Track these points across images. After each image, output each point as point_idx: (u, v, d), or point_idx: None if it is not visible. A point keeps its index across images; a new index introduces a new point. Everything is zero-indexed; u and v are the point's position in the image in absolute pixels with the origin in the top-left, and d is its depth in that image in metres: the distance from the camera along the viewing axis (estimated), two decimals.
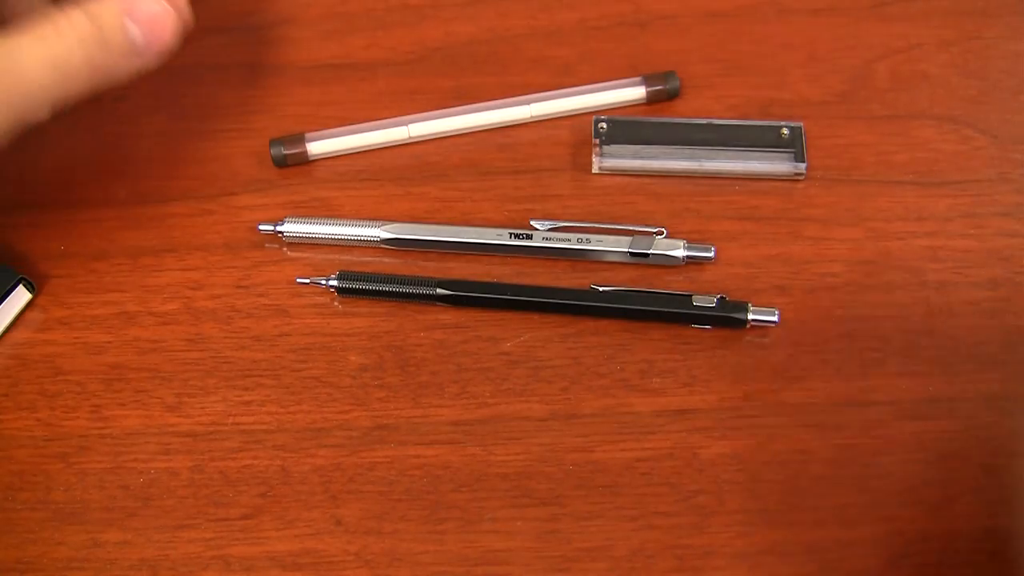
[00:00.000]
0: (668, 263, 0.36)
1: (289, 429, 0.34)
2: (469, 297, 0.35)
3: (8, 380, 0.35)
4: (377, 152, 0.40)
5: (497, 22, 0.43)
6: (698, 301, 0.34)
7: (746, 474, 0.32)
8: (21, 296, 0.36)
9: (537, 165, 0.39)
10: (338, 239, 0.37)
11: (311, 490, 0.32)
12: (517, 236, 0.36)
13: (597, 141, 0.38)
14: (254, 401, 0.34)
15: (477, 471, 0.33)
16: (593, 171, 0.38)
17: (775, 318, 0.34)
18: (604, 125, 0.39)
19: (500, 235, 0.36)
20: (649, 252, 0.36)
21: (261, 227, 0.37)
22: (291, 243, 0.37)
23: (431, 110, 0.40)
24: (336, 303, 0.36)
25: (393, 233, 0.37)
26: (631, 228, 0.36)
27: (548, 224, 0.36)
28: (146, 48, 0.34)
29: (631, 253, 0.36)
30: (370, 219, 0.37)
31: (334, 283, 0.36)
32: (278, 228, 0.37)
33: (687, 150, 0.38)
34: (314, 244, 0.37)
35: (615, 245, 0.36)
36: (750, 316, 0.34)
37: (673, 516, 0.31)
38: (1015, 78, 0.40)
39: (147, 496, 0.33)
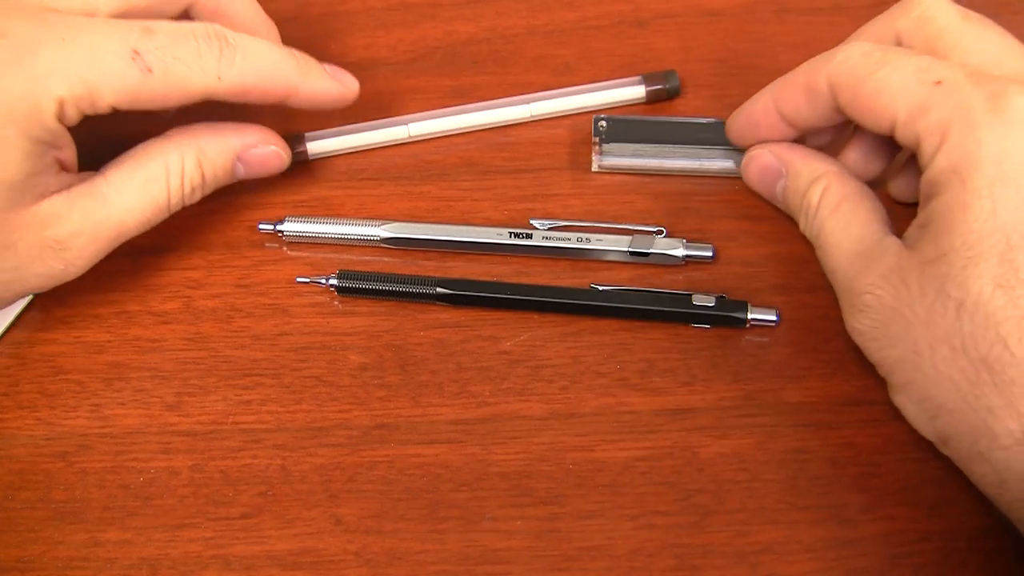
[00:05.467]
0: (668, 263, 0.36)
1: (289, 428, 0.34)
2: (469, 296, 0.35)
3: (8, 379, 0.35)
4: (377, 152, 0.40)
5: (497, 22, 0.43)
6: (698, 300, 0.34)
7: (746, 473, 0.32)
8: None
9: (537, 164, 0.39)
10: (338, 238, 0.37)
11: (311, 489, 0.32)
12: (517, 235, 0.36)
13: (597, 140, 0.38)
14: (254, 400, 0.34)
15: (477, 470, 0.33)
16: (593, 169, 0.39)
17: (775, 318, 0.34)
18: (604, 124, 0.39)
19: (500, 234, 0.36)
20: (649, 252, 0.36)
21: (261, 226, 0.37)
22: (291, 242, 0.37)
23: (431, 109, 0.40)
24: (336, 302, 0.36)
25: (393, 232, 0.37)
26: (631, 228, 0.36)
27: (548, 223, 0.36)
28: (243, 178, 0.37)
29: (631, 252, 0.36)
30: (370, 218, 0.37)
31: (334, 282, 0.36)
32: (278, 227, 0.37)
33: (687, 149, 0.38)
34: (314, 243, 0.37)
35: (615, 244, 0.36)
36: (750, 316, 0.34)
37: (673, 515, 0.31)
38: None
39: (147, 495, 0.33)
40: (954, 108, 0.28)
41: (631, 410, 0.33)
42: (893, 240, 0.30)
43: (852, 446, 0.32)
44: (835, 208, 0.32)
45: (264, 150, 0.36)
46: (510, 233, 0.36)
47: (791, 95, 0.33)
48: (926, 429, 0.29)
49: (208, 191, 0.36)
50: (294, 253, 0.37)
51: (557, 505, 0.32)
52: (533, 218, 0.37)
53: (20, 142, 0.30)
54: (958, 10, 0.31)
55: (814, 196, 0.33)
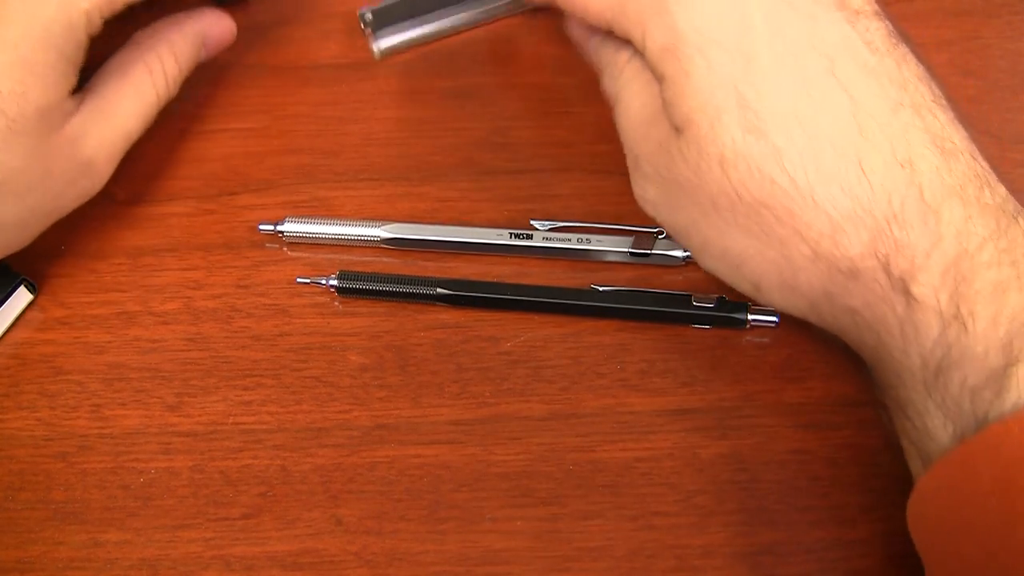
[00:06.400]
0: (668, 263, 0.36)
1: (289, 429, 0.34)
2: (469, 297, 0.35)
3: (8, 380, 0.35)
4: (376, 151, 0.40)
5: (497, 22, 0.43)
6: (698, 301, 0.34)
7: (746, 474, 0.32)
8: (22, 297, 0.36)
9: (537, 165, 0.39)
10: (338, 239, 0.37)
11: (311, 490, 0.32)
12: (517, 236, 0.36)
13: (368, 30, 0.40)
14: (254, 401, 0.34)
15: (477, 471, 0.33)
16: (375, 57, 0.41)
17: (775, 318, 0.34)
18: (369, 14, 0.41)
19: (500, 235, 0.36)
20: (650, 252, 0.36)
21: (261, 227, 0.37)
22: (291, 243, 0.37)
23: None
24: (336, 303, 0.36)
25: (393, 233, 0.37)
26: (631, 228, 0.36)
27: (548, 224, 0.36)
28: (204, 58, 0.39)
29: (631, 253, 0.36)
30: (370, 219, 0.37)
31: (334, 283, 0.36)
32: (278, 228, 0.37)
33: (455, 7, 0.41)
34: (314, 244, 0.37)
35: (615, 245, 0.36)
36: (750, 316, 0.34)
37: (673, 516, 0.31)
38: (1015, 78, 0.40)
39: (147, 496, 0.33)
40: None
41: (631, 411, 0.33)
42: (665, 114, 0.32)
43: (852, 446, 0.32)
44: (638, 72, 0.32)
45: (221, 30, 0.38)
46: (510, 234, 0.36)
47: None
48: (739, 282, 0.31)
49: (183, 79, 0.38)
50: (294, 254, 0.37)
51: (557, 506, 0.32)
52: (533, 219, 0.37)
53: (59, 64, 0.31)
54: None
55: (623, 56, 0.33)
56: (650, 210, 0.32)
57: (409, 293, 0.35)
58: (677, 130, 0.30)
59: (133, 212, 0.39)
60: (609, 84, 0.34)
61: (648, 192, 0.32)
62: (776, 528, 0.31)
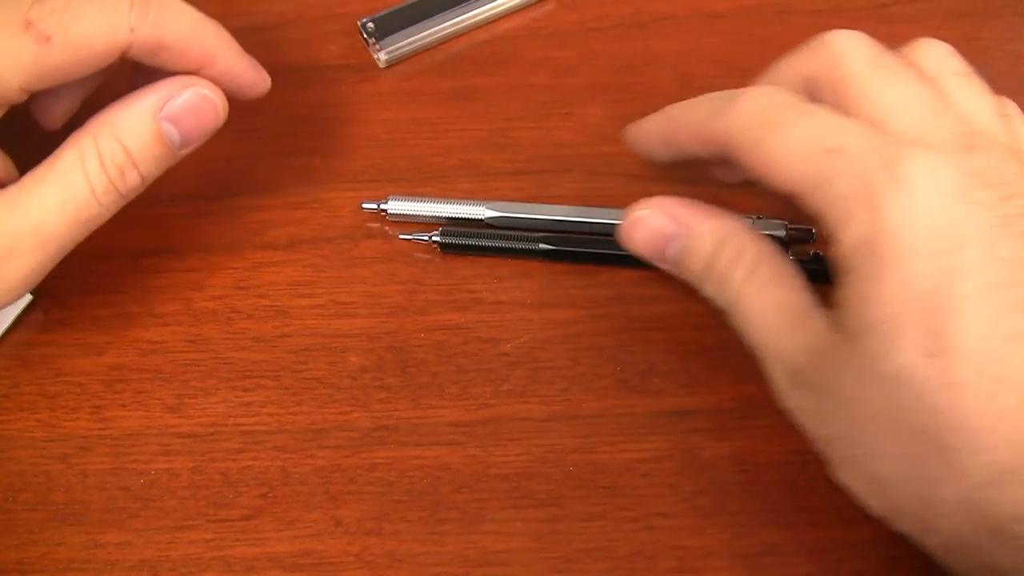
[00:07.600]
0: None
1: (289, 430, 0.34)
2: (572, 252, 0.36)
3: (8, 381, 0.35)
4: (377, 152, 0.40)
5: (497, 22, 0.43)
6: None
7: (746, 475, 0.32)
8: (22, 298, 0.36)
9: (538, 167, 0.39)
10: (441, 217, 0.37)
11: (311, 491, 0.32)
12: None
13: (371, 40, 0.40)
14: (254, 402, 0.34)
15: (477, 472, 0.33)
16: (381, 66, 0.41)
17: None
18: (371, 24, 0.41)
19: (608, 214, 0.36)
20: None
21: (365, 205, 0.37)
22: (394, 222, 0.38)
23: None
24: (337, 303, 0.36)
25: (498, 212, 0.37)
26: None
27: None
28: (185, 143, 0.32)
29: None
30: (473, 199, 0.37)
31: (437, 239, 0.36)
32: (382, 205, 0.37)
33: (460, 8, 0.42)
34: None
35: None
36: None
37: (673, 517, 0.31)
38: (1015, 79, 0.40)
39: (147, 497, 0.33)
40: (853, 180, 0.26)
41: (631, 412, 0.33)
42: (820, 314, 0.29)
43: None
44: (752, 271, 0.30)
45: (187, 96, 0.31)
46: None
47: (688, 137, 0.31)
48: (876, 506, 0.28)
49: (148, 171, 0.32)
50: (297, 255, 0.37)
51: (557, 507, 0.32)
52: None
53: None
54: (868, 54, 0.29)
55: (723, 259, 0.30)
56: (797, 416, 0.29)
57: (511, 248, 0.36)
58: (848, 337, 0.27)
59: (133, 213, 0.38)
60: (718, 293, 0.31)
61: (800, 400, 0.29)
62: (777, 529, 0.31)
